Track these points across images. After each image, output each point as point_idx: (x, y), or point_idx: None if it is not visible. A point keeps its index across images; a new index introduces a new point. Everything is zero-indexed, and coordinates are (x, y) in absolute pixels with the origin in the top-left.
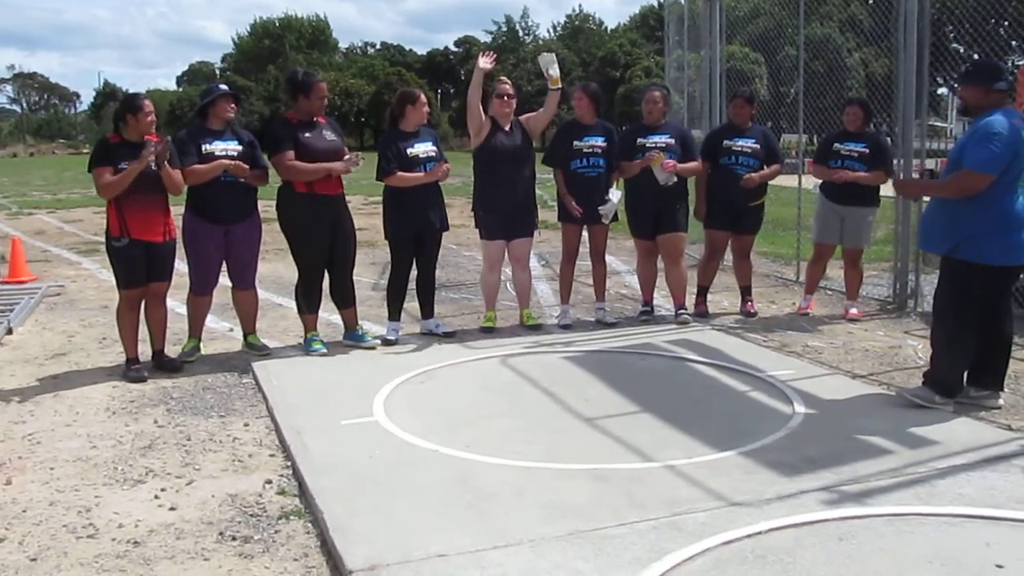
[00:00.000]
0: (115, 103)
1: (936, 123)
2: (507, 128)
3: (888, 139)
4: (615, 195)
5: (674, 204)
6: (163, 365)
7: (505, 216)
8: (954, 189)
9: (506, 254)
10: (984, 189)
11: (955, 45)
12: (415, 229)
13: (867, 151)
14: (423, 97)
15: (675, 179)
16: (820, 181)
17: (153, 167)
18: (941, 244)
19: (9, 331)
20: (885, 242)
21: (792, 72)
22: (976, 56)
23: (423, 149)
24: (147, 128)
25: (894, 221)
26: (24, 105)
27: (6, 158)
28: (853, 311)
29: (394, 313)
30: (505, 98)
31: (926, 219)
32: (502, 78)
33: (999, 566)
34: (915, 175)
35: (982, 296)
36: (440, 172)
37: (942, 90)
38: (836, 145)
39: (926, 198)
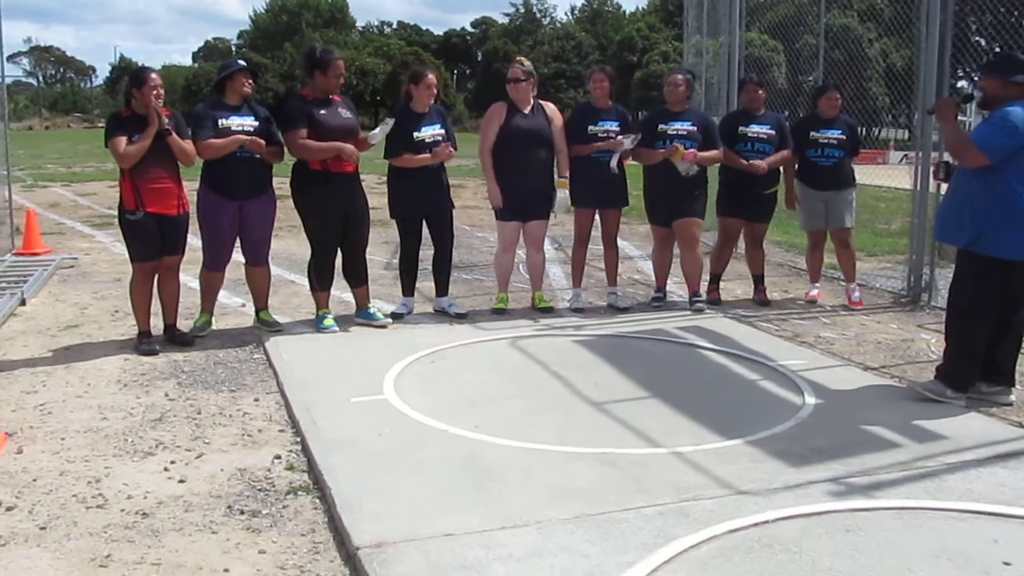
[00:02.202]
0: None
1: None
2: (526, 111)
3: (910, 129)
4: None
5: (692, 191)
6: (175, 339)
7: (521, 198)
8: (957, 149)
9: (521, 236)
10: (1002, 179)
11: (977, 38)
12: (418, 211)
13: (844, 137)
14: (429, 77)
15: (696, 169)
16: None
17: (167, 125)
18: (959, 236)
19: (23, 302)
20: (900, 234)
21: (811, 61)
22: (998, 49)
23: (430, 133)
24: (149, 104)
25: (910, 213)
26: (40, 78)
27: (22, 131)
28: (856, 295)
29: (407, 289)
30: (517, 82)
31: (943, 210)
32: (521, 59)
33: (1007, 563)
34: (932, 168)
35: (998, 290)
36: (443, 154)
37: (963, 83)
38: (813, 134)
39: (944, 188)
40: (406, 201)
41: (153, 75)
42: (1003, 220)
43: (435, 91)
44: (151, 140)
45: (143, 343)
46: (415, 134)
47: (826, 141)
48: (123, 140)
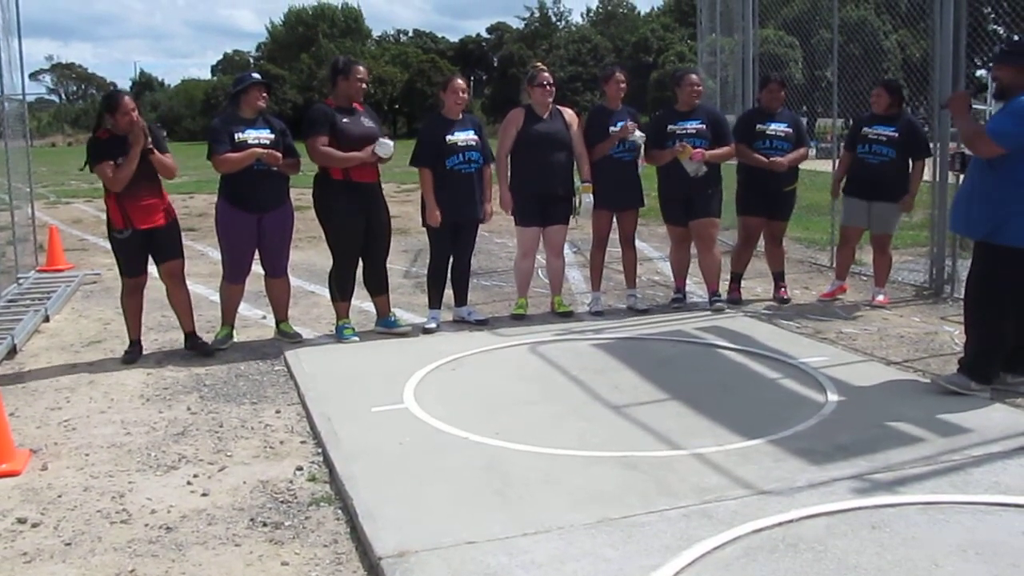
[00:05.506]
0: (150, 93)
1: (975, 106)
2: (544, 116)
3: (924, 123)
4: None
5: (706, 190)
6: (196, 347)
7: (541, 202)
8: (971, 140)
9: (540, 241)
10: (1020, 168)
11: (994, 26)
12: (454, 219)
13: (896, 135)
14: (456, 82)
15: (705, 169)
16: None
17: (150, 145)
18: (977, 228)
19: (46, 318)
20: (922, 227)
21: (827, 56)
22: (1016, 37)
23: (463, 138)
24: (127, 127)
25: (931, 205)
26: (63, 95)
27: (45, 148)
28: (880, 298)
29: (434, 301)
30: (546, 86)
31: (959, 201)
32: (539, 64)
33: None
34: (948, 159)
35: (1018, 281)
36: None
37: (980, 72)
38: (865, 129)
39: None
40: (444, 211)
41: (126, 99)
42: (1022, 209)
43: (464, 95)
44: (137, 160)
45: (127, 352)
46: (448, 137)
47: (875, 137)
48: (110, 165)
